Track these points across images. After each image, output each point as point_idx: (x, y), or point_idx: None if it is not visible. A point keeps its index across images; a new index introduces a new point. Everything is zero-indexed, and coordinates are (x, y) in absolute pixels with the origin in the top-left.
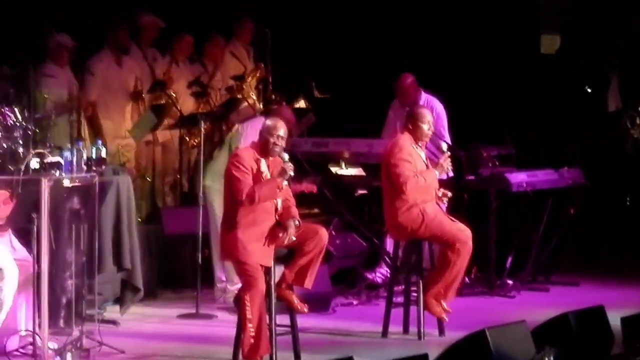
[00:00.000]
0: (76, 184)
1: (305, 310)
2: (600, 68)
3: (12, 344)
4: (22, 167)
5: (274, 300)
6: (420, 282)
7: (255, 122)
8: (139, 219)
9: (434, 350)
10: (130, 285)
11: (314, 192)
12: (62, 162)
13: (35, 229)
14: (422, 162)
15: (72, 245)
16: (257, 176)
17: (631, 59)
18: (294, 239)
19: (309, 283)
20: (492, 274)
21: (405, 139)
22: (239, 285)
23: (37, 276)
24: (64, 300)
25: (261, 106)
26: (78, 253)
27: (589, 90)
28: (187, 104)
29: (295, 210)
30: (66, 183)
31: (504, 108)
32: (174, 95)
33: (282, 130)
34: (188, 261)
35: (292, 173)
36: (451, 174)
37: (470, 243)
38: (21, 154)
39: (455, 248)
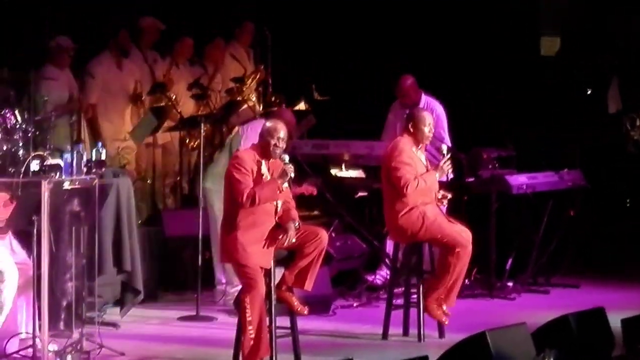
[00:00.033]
0: (76, 186)
1: (306, 312)
2: (600, 68)
3: (12, 346)
4: (22, 170)
5: (274, 302)
6: (421, 284)
7: (256, 124)
8: (139, 221)
9: (434, 352)
10: (130, 288)
11: (314, 195)
12: (62, 164)
13: (35, 231)
14: (422, 165)
15: (72, 247)
16: (258, 178)
17: (631, 59)
18: (294, 241)
19: (309, 285)
20: (493, 276)
21: (405, 142)
22: (239, 287)
23: (37, 279)
24: (64, 303)
25: (261, 108)
26: (78, 255)
27: (589, 92)
28: (187, 106)
29: (295, 213)
30: (66, 185)
31: (504, 110)
32: (174, 97)
33: (282, 132)
34: (188, 263)
35: (292, 175)
36: (451, 176)
37: (470, 245)
38: (21, 156)
39: (455, 251)
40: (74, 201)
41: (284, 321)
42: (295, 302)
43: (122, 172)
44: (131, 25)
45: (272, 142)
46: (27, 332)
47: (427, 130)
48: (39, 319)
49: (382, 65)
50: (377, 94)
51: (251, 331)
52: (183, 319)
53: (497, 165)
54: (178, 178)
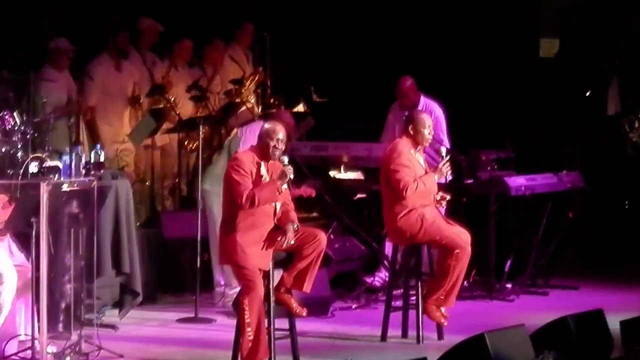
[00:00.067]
0: (75, 188)
1: (304, 314)
2: (600, 68)
3: (11, 348)
4: (21, 171)
5: (272, 304)
6: (419, 286)
7: (254, 126)
8: (138, 223)
9: (433, 354)
10: (129, 290)
11: (312, 197)
12: (61, 166)
13: (34, 233)
14: (420, 167)
15: (71, 249)
16: (257, 180)
17: (631, 59)
18: (293, 242)
19: (307, 287)
20: (491, 278)
21: (404, 144)
22: (238, 289)
23: (36, 280)
24: (62, 305)
25: (260, 110)
26: (77, 257)
27: (588, 93)
28: (186, 108)
29: (294, 214)
30: (65, 187)
31: (503, 111)
32: (173, 99)
33: (281, 133)
34: (187, 265)
35: (292, 176)
36: (450, 177)
37: (469, 247)
38: (20, 158)
39: (454, 253)
40: (72, 203)
41: (282, 323)
42: (294, 304)
43: (120, 174)
44: (130, 27)
45: (272, 143)
46: (26, 334)
47: (427, 132)
48: (38, 320)
49: (381, 67)
50: (376, 95)
51: (250, 333)
52: (182, 320)
53: (496, 167)
54: (177, 180)
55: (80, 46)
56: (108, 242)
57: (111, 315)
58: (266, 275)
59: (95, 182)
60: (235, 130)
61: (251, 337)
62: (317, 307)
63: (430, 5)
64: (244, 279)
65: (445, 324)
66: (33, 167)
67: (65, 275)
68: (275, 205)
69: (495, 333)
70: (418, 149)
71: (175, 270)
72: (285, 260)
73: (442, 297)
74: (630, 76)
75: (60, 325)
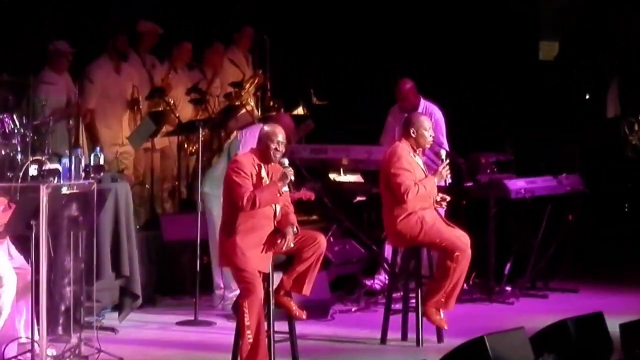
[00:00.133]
0: (74, 191)
1: (304, 316)
2: (600, 68)
3: (11, 351)
4: (21, 174)
5: (272, 307)
6: (419, 288)
7: (254, 129)
8: (138, 226)
9: (433, 357)
10: (128, 292)
11: (312, 200)
12: (61, 169)
13: (33, 236)
14: (420, 170)
15: (70, 252)
16: (258, 182)
17: (631, 60)
18: (293, 245)
19: (307, 290)
20: (491, 281)
21: (403, 147)
22: (238, 292)
23: (36, 283)
24: (62, 308)
25: (260, 113)
26: (76, 260)
27: (588, 97)
28: (186, 111)
29: (293, 217)
30: (65, 190)
31: (503, 113)
32: (173, 102)
33: (281, 136)
34: (187, 268)
35: (292, 177)
36: (450, 181)
37: (469, 250)
38: (19, 160)
39: (454, 256)
40: (72, 206)
41: (282, 326)
42: (294, 307)
43: (120, 176)
44: (130, 30)
45: (272, 146)
46: (25, 337)
47: (428, 134)
48: (38, 323)
49: (381, 69)
50: (376, 98)
51: (249, 336)
52: (181, 323)
53: (495, 169)
54: (176, 183)
55: (80, 47)
56: (108, 245)
57: (111, 318)
58: (266, 278)
59: (94, 185)
60: (235, 133)
61: (251, 340)
62: (317, 309)
63: (430, 7)
64: (243, 282)
65: (445, 327)
66: (33, 170)
67: (65, 278)
68: (275, 208)
69: (495, 336)
70: (418, 151)
71: (175, 273)
72: (285, 263)
73: (442, 300)
74: (630, 77)
75: (60, 328)
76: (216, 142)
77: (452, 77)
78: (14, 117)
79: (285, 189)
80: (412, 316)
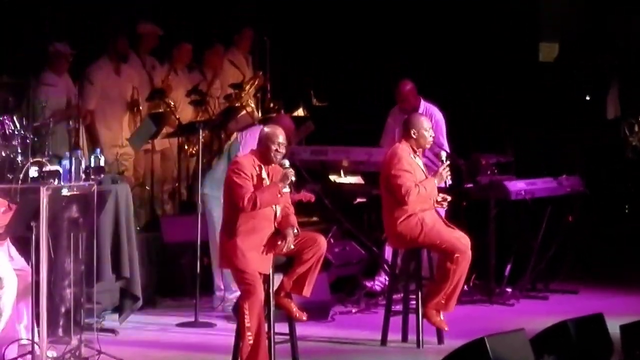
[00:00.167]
0: (75, 192)
1: (304, 318)
2: (600, 69)
3: (11, 352)
4: (21, 176)
5: (272, 309)
6: (419, 290)
7: (254, 130)
8: (138, 228)
9: (433, 358)
10: (129, 294)
11: (312, 202)
12: (61, 170)
13: (33, 237)
14: (420, 171)
15: (70, 254)
16: (259, 183)
17: (631, 60)
18: (293, 247)
19: (307, 291)
20: (491, 282)
21: (403, 149)
22: (238, 293)
23: (36, 285)
24: (62, 309)
25: (260, 114)
26: (77, 262)
27: (588, 98)
28: (186, 112)
29: (294, 219)
30: (65, 192)
31: (503, 114)
32: (173, 103)
33: (282, 137)
34: (187, 269)
35: (294, 178)
36: (450, 182)
37: (469, 251)
38: (20, 162)
39: (454, 257)
40: (72, 207)
41: (282, 327)
42: (294, 308)
43: (120, 178)
44: (129, 31)
45: (273, 147)
46: (26, 339)
47: (428, 134)
48: (38, 325)
49: (381, 70)
50: (376, 99)
51: (250, 337)
52: (182, 325)
53: (495, 171)
54: (176, 184)
55: (80, 47)
56: (108, 247)
57: (111, 320)
58: (266, 280)
59: (95, 187)
60: (235, 134)
61: (251, 342)
62: (317, 311)
63: (431, 8)
64: (244, 283)
65: (446, 328)
66: (33, 172)
67: (65, 280)
68: (276, 209)
69: (495, 337)
70: (418, 152)
71: (175, 275)
72: (285, 264)
73: (442, 302)
74: (630, 77)
75: (60, 330)
76: (216, 144)
77: (453, 78)
78: (14, 118)
79: (286, 189)
80: (412, 318)
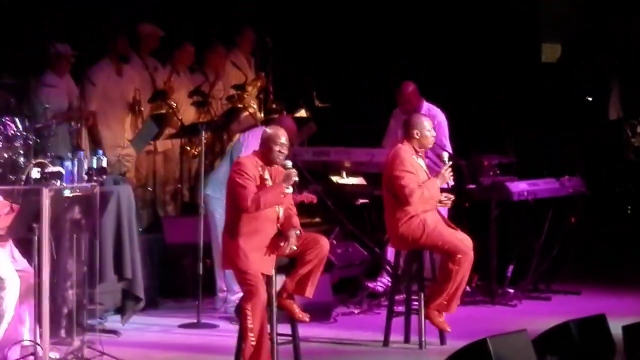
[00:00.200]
0: (77, 193)
1: (307, 319)
2: (600, 69)
3: (14, 354)
4: (23, 177)
5: (275, 310)
6: (422, 291)
7: (256, 131)
8: (140, 229)
9: (435, 359)
10: (131, 295)
11: (314, 203)
12: (63, 172)
13: (36, 239)
14: (423, 172)
15: (73, 255)
16: (261, 184)
17: (631, 60)
18: (295, 248)
19: (310, 292)
20: (494, 283)
21: (405, 150)
22: (240, 294)
23: (38, 286)
24: (65, 310)
25: (262, 116)
26: (79, 263)
27: (589, 98)
28: (188, 114)
29: (296, 220)
30: (67, 193)
31: (505, 114)
32: (175, 104)
33: (284, 138)
34: (189, 271)
35: (297, 178)
36: (452, 183)
37: (471, 252)
38: (22, 164)
39: (456, 258)
40: (74, 209)
41: (285, 328)
42: (297, 310)
43: (122, 179)
44: (130, 31)
45: (276, 148)
46: (28, 340)
47: (430, 134)
48: (40, 326)
49: (382, 71)
50: (377, 100)
51: (252, 338)
52: (184, 326)
53: (497, 172)
54: (179, 185)
55: (80, 48)
56: (110, 248)
57: (113, 321)
58: (269, 281)
59: (97, 188)
60: (237, 135)
61: (254, 343)
62: (320, 312)
63: (432, 9)
64: (246, 285)
65: (448, 329)
66: (35, 173)
67: (67, 281)
68: (278, 210)
69: (497, 338)
70: (420, 153)
71: (178, 276)
72: (288, 265)
73: (444, 303)
74: (631, 77)
75: (63, 331)
76: (219, 145)
77: (454, 79)
78: (16, 120)
79: (289, 190)
80: (414, 319)
